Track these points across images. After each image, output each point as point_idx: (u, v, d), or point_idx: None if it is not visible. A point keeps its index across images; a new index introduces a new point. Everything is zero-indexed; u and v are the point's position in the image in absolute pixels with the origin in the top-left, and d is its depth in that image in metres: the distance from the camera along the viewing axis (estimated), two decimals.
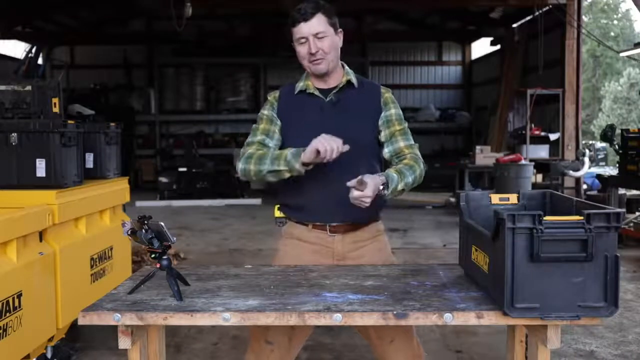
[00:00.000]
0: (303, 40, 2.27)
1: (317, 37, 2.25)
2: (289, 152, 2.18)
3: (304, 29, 2.25)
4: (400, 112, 2.41)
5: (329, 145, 2.05)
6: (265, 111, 2.40)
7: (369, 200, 2.08)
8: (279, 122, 2.37)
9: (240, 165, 2.28)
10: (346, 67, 2.41)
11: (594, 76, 29.83)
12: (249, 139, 2.37)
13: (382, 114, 2.36)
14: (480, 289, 1.92)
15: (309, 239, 2.36)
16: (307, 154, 2.09)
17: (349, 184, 2.06)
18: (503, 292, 1.66)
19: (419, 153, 2.37)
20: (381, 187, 2.13)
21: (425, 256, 6.76)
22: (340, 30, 2.33)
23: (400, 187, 2.21)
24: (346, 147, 2.08)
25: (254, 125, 2.42)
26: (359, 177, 2.05)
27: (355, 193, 2.06)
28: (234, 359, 3.70)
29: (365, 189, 2.05)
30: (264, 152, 2.27)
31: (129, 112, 15.01)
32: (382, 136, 2.36)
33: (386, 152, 2.37)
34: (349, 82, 2.36)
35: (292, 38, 2.31)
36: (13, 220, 2.86)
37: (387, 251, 2.47)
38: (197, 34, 13.58)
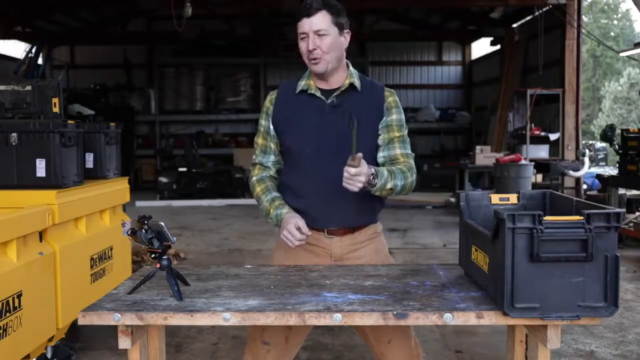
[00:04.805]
0: (304, 35, 2.24)
1: (318, 34, 2.21)
2: (273, 212, 2.29)
3: (306, 24, 2.22)
4: (403, 117, 2.36)
5: (288, 241, 2.21)
6: (263, 121, 2.40)
7: (363, 179, 2.05)
8: (273, 133, 2.36)
9: (250, 185, 2.44)
10: (351, 68, 2.35)
11: (594, 76, 29.85)
12: (254, 156, 2.45)
13: (383, 119, 2.31)
14: (480, 289, 1.92)
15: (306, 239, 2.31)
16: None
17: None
18: (503, 292, 1.66)
19: (413, 164, 2.32)
20: (371, 177, 2.10)
21: (425, 256, 6.75)
22: (347, 31, 2.29)
23: (389, 186, 2.17)
24: (304, 237, 2.19)
25: (256, 136, 2.45)
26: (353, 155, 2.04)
27: (352, 170, 2.03)
28: (234, 359, 3.71)
29: (360, 165, 2.03)
30: (262, 188, 2.36)
31: (129, 112, 15.01)
32: (380, 140, 2.31)
33: (380, 156, 2.32)
34: (351, 85, 2.30)
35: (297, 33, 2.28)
36: (13, 220, 2.86)
37: (385, 252, 2.45)
38: (197, 34, 13.58)
